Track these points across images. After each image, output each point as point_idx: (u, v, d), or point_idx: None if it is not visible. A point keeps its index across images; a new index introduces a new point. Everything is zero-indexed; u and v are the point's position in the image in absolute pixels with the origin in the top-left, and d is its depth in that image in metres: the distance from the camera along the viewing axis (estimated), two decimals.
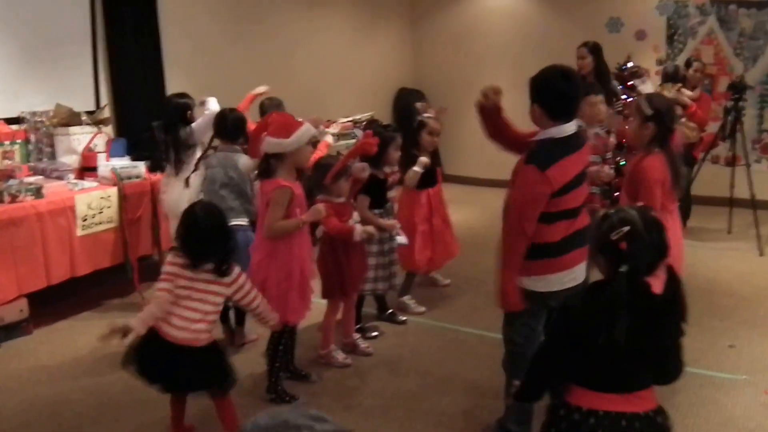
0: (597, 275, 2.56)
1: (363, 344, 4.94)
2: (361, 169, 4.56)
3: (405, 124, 6.03)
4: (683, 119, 7.61)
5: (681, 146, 4.35)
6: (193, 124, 5.35)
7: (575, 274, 3.44)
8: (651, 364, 2.46)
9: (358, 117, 8.95)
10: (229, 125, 4.86)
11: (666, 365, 2.51)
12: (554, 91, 3.30)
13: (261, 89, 5.87)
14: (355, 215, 4.61)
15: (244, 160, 4.72)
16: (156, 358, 3.48)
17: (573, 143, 3.33)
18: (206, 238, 3.44)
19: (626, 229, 2.35)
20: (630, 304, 2.32)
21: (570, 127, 3.32)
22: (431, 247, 5.62)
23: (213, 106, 5.43)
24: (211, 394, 3.68)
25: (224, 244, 3.51)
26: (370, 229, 4.54)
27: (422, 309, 5.61)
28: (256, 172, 4.13)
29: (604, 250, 2.45)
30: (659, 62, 9.22)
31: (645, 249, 2.37)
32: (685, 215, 7.81)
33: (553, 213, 3.28)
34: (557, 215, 3.30)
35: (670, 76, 7.44)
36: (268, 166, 3.99)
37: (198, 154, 5.21)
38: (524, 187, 3.30)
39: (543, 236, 3.32)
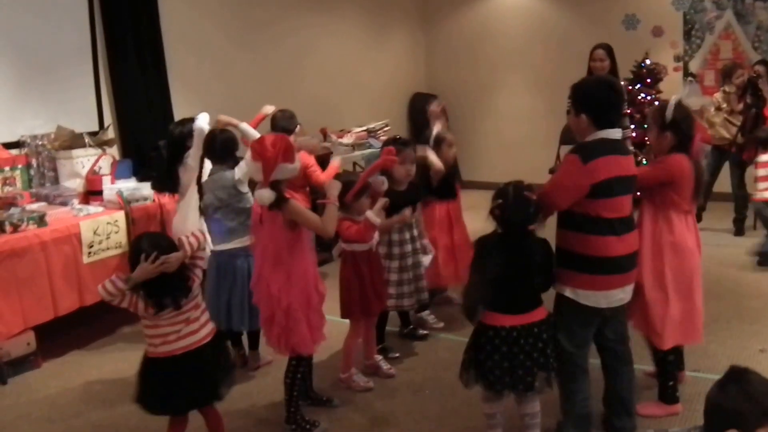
0: None
1: (385, 366, 4.74)
2: (381, 183, 4.34)
3: (421, 130, 5.88)
4: (724, 115, 7.44)
5: (701, 153, 4.33)
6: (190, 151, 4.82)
7: (622, 294, 3.53)
8: (535, 290, 3.50)
9: (372, 126, 8.74)
10: (218, 146, 4.65)
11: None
12: (603, 101, 3.44)
13: (269, 109, 5.68)
14: (376, 235, 4.41)
15: (239, 169, 4.54)
16: (169, 378, 3.36)
17: (619, 147, 3.48)
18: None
19: (500, 201, 3.43)
20: (516, 245, 3.42)
21: (616, 133, 3.46)
22: (455, 261, 5.41)
23: (201, 123, 4.79)
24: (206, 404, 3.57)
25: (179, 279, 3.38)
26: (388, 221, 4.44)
27: (441, 324, 5.45)
28: (271, 200, 3.66)
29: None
30: (677, 58, 9.07)
31: (515, 212, 3.40)
32: (740, 215, 7.62)
33: (602, 220, 3.36)
34: (605, 225, 3.37)
35: (727, 73, 7.35)
36: (280, 194, 3.66)
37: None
38: (564, 174, 3.46)
39: (591, 248, 3.40)
